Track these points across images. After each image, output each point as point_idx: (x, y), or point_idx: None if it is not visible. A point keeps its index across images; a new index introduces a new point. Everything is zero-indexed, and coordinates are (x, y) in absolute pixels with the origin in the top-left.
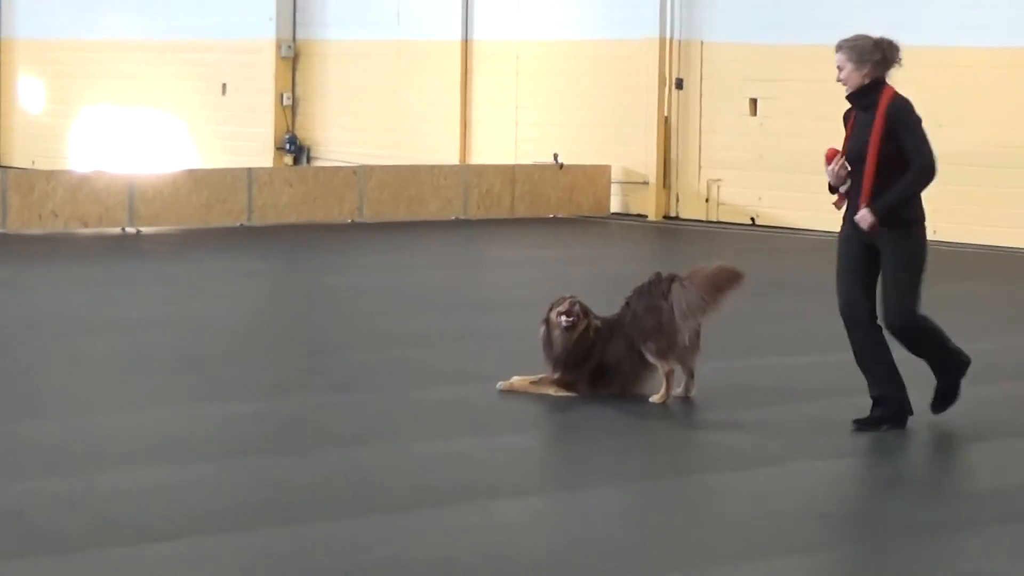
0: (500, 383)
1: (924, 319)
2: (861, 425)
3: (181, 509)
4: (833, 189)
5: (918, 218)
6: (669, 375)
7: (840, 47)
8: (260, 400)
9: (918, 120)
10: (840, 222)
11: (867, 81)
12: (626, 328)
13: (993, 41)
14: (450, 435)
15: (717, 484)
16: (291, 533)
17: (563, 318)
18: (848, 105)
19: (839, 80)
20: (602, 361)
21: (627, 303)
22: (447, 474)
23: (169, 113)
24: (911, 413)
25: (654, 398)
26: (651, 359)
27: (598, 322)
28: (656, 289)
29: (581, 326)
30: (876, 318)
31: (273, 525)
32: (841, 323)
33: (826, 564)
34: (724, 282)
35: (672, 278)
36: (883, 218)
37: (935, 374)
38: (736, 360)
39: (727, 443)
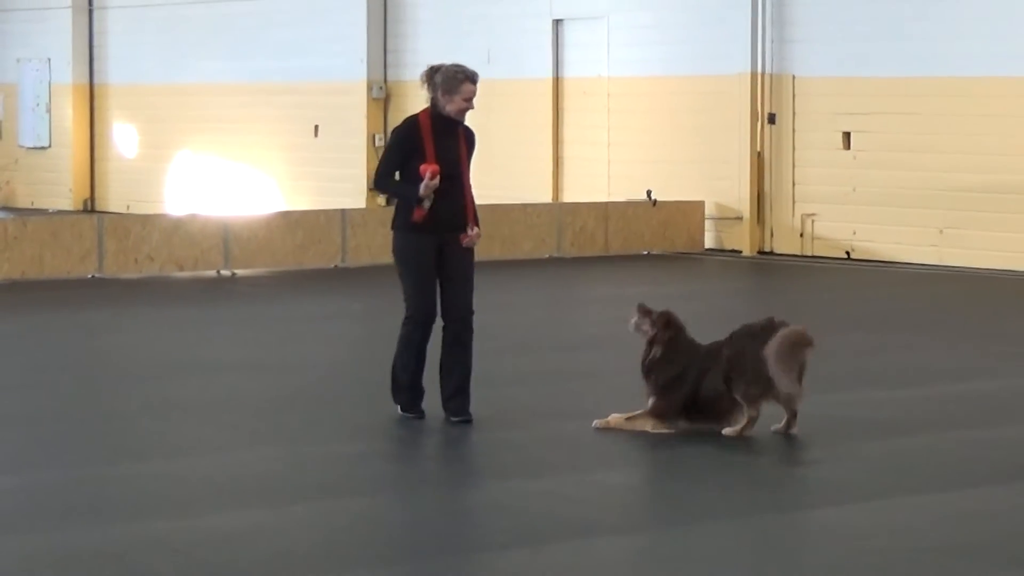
0: (596, 421)
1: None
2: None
3: (279, 550)
4: (419, 202)
5: (395, 224)
6: (753, 420)
7: (475, 79)
8: (357, 441)
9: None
10: None
11: None
12: (724, 362)
13: None
14: (547, 473)
15: (818, 520)
16: (392, 574)
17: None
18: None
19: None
20: (699, 393)
21: (731, 337)
22: (544, 512)
23: (262, 156)
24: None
25: (727, 431)
26: (739, 399)
27: (658, 351)
28: (767, 335)
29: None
30: None
31: (371, 566)
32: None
33: None
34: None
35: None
36: None
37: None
38: (836, 394)
39: (828, 478)
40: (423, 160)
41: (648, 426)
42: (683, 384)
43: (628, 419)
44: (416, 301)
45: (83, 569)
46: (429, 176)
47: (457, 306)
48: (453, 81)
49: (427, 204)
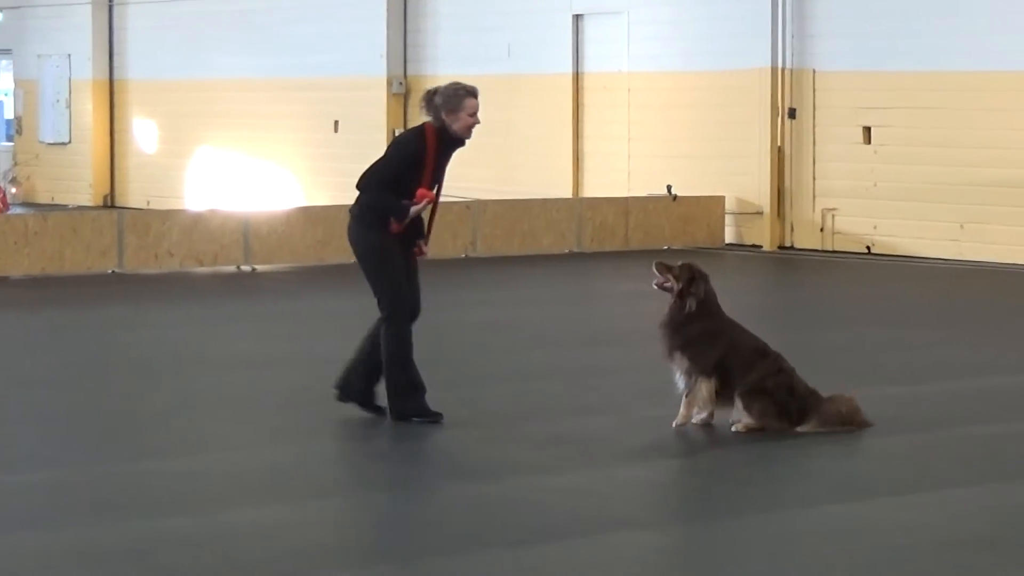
0: (675, 423)
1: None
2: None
3: (301, 546)
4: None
5: (366, 221)
6: (767, 427)
7: (475, 93)
8: (378, 437)
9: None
10: None
11: None
12: (750, 374)
13: None
14: (570, 469)
15: (840, 516)
16: (410, 569)
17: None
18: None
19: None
20: (724, 361)
21: (778, 370)
22: (566, 508)
23: (282, 151)
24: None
25: (737, 426)
26: (759, 423)
27: (692, 304)
28: (806, 402)
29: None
30: None
31: (391, 561)
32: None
33: None
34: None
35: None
36: None
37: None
38: (858, 390)
39: (849, 474)
40: (419, 179)
41: (704, 390)
42: (715, 344)
43: (688, 402)
44: (399, 295)
45: (106, 565)
46: (425, 203)
47: (414, 305)
48: (455, 99)
49: (406, 222)
